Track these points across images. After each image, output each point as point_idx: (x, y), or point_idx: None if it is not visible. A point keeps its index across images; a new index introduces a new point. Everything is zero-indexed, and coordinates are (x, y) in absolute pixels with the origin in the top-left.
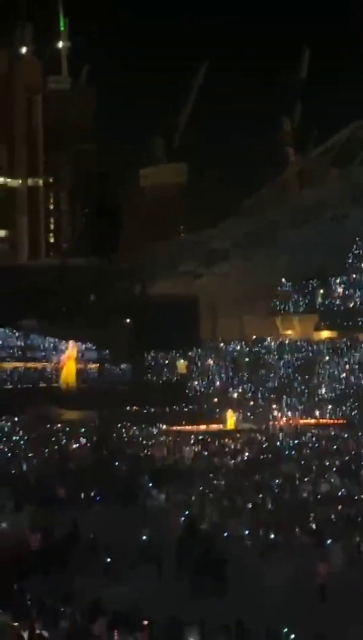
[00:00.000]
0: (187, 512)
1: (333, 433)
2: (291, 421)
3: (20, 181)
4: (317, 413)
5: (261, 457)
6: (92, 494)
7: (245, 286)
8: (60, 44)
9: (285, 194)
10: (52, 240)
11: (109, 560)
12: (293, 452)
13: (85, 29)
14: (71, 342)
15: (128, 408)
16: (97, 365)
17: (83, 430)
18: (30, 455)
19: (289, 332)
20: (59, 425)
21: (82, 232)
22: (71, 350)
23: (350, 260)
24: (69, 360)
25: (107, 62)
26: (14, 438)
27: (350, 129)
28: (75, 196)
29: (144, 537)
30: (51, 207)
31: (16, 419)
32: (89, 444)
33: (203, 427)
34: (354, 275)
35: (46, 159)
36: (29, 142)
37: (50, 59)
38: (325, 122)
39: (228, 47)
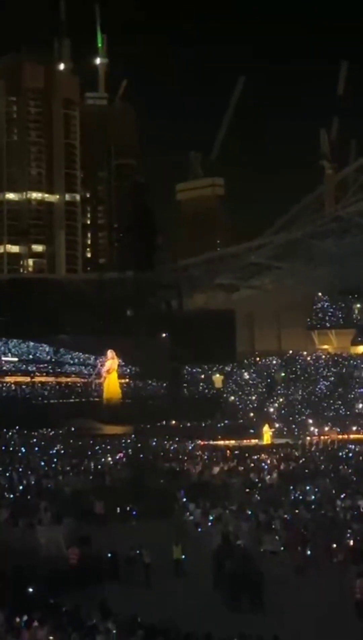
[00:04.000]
0: (223, 527)
1: None
2: (327, 436)
3: (58, 196)
4: (354, 428)
5: (298, 472)
6: (128, 508)
7: (281, 299)
8: (97, 61)
9: (322, 206)
10: (89, 254)
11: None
12: (330, 467)
13: (122, 45)
14: (110, 353)
15: (164, 423)
16: (128, 380)
17: (120, 444)
18: (67, 468)
19: (325, 346)
20: (96, 439)
21: (120, 246)
22: (111, 362)
23: None
24: (110, 373)
25: (145, 78)
26: (51, 452)
27: None
28: (112, 211)
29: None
30: (88, 222)
31: (53, 432)
32: (125, 459)
33: (239, 441)
34: None
35: (84, 174)
36: (67, 157)
37: (87, 75)
38: None
39: (265, 61)
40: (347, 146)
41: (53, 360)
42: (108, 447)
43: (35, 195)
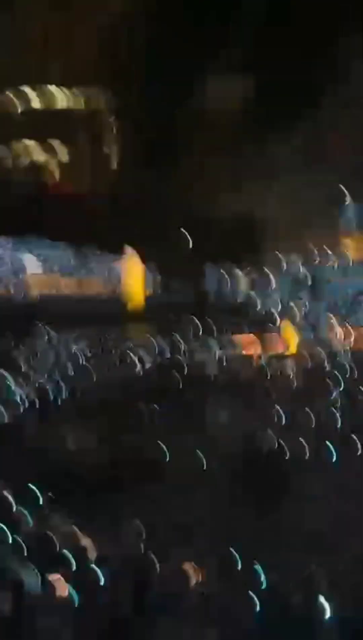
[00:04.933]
0: (248, 429)
1: None
2: (354, 339)
3: (82, 102)
4: None
5: (322, 376)
6: (154, 406)
7: (310, 199)
8: None
9: (353, 99)
10: (113, 161)
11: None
12: (355, 369)
13: None
14: (128, 252)
15: (189, 328)
16: (151, 281)
17: (148, 344)
18: (94, 374)
19: (352, 250)
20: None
21: (143, 150)
22: (132, 264)
23: None
24: (132, 276)
25: None
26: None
27: None
28: (137, 115)
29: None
30: (113, 129)
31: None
32: (153, 359)
33: (263, 346)
34: None
35: (106, 76)
36: (89, 62)
37: None
38: None
39: None
40: None
41: (76, 266)
42: (137, 347)
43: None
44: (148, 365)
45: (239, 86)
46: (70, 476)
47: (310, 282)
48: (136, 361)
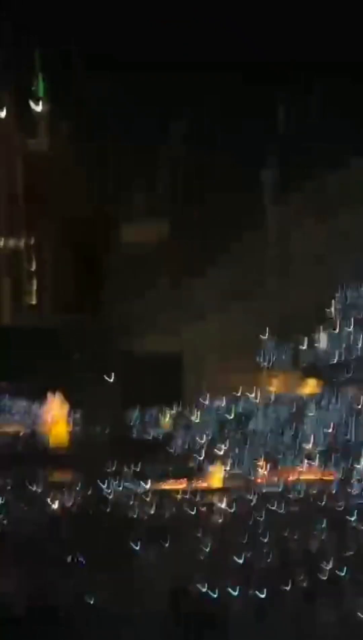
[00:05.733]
0: (175, 573)
1: (320, 489)
2: (278, 477)
3: (1, 242)
4: (304, 468)
5: (249, 514)
6: (77, 558)
7: (228, 340)
8: (39, 107)
9: (266, 243)
10: (33, 300)
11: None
12: (281, 510)
13: (65, 88)
14: (55, 398)
15: (112, 468)
16: (73, 426)
17: (69, 491)
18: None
19: (272, 387)
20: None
21: (63, 291)
22: (57, 408)
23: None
24: (56, 420)
25: (88, 117)
26: None
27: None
28: (57, 256)
29: None
30: (32, 267)
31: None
32: (75, 507)
33: (188, 484)
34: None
35: (27, 219)
36: (11, 203)
37: (29, 121)
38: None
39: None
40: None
41: None
42: (56, 495)
43: None
44: (69, 504)
45: (156, 230)
46: None
47: (234, 418)
48: (57, 501)
